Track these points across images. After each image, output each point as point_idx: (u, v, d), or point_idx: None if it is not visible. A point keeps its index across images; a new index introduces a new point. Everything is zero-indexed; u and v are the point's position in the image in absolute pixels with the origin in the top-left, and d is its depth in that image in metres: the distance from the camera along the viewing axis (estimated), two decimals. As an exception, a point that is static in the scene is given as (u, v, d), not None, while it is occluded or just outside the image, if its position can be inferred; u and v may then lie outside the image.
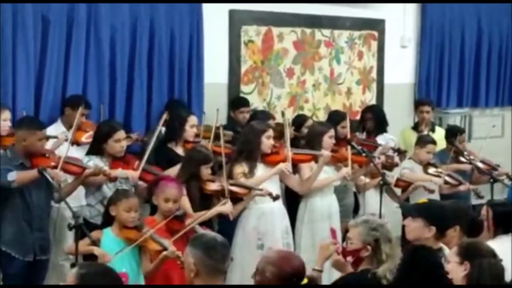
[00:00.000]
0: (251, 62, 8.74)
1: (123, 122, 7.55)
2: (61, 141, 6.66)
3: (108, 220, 5.72)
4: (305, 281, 4.25)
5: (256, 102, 8.74)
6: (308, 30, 9.08)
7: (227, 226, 6.59)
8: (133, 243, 5.48)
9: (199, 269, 4.08)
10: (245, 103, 8.36)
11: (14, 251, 5.98)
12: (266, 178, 6.68)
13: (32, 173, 5.84)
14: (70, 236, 7.03)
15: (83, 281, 3.85)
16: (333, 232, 6.75)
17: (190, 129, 7.16)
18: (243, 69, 8.69)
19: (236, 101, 8.40)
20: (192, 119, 7.22)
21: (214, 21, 8.41)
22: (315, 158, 7.01)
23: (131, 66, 7.87)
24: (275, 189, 6.77)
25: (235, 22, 8.58)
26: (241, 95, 8.63)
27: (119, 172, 6.25)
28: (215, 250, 4.11)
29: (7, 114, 6.66)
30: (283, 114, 8.74)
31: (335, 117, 8.13)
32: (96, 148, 6.46)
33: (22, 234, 5.99)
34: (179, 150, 7.11)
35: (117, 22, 7.72)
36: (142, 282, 5.49)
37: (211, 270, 4.09)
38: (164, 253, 5.45)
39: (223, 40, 8.56)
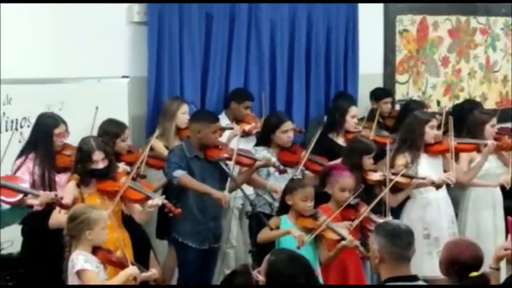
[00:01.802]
0: (406, 51, 8.76)
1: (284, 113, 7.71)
2: (236, 132, 6.88)
3: (283, 208, 5.88)
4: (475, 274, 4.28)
5: (411, 92, 8.76)
6: (463, 18, 9.04)
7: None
8: (309, 231, 5.62)
9: (384, 256, 4.16)
10: (388, 93, 8.38)
11: (190, 241, 6.23)
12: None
13: (197, 185, 6.06)
14: (234, 225, 7.34)
15: (271, 268, 4.01)
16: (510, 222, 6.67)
17: (351, 120, 7.27)
18: (398, 58, 8.73)
19: (379, 92, 8.41)
20: (353, 110, 7.32)
21: (369, 12, 8.47)
22: (479, 148, 6.96)
23: (291, 59, 8.03)
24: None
25: (390, 12, 8.63)
26: (396, 85, 8.66)
27: None
28: (399, 237, 4.18)
29: (185, 108, 6.95)
30: (438, 103, 8.72)
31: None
32: (264, 139, 6.65)
33: (198, 225, 6.23)
34: (340, 141, 7.23)
35: (277, 17, 7.91)
36: (318, 269, 5.61)
37: (396, 257, 4.17)
38: (343, 242, 5.57)
39: (378, 30, 8.62)
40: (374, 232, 4.28)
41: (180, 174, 6.05)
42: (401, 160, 6.65)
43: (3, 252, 6.20)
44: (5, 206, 5.18)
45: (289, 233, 5.57)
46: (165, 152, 6.59)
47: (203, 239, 6.26)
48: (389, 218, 5.93)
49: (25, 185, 5.40)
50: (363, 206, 5.97)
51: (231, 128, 6.98)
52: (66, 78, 6.83)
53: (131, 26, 7.31)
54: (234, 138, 6.82)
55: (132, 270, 4.83)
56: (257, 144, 6.72)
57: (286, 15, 7.97)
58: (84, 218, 4.83)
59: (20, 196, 5.12)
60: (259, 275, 4.04)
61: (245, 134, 7.03)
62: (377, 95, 8.23)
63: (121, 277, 4.84)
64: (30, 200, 5.13)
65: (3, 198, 5.07)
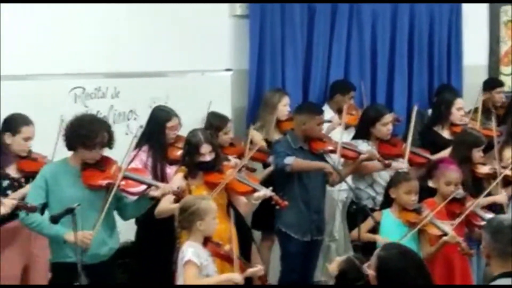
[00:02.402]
0: (510, 42, 8.56)
1: (385, 105, 7.65)
2: (335, 125, 6.86)
3: (387, 202, 5.85)
4: None
5: (516, 84, 8.59)
6: None
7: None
8: (412, 225, 5.57)
9: (489, 252, 4.10)
10: (501, 83, 8.21)
11: (293, 232, 6.26)
12: None
13: (310, 164, 6.09)
14: (338, 218, 7.33)
15: (382, 263, 3.97)
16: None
17: (457, 112, 7.15)
18: (503, 50, 8.54)
19: (492, 82, 8.26)
20: (459, 102, 7.20)
21: (473, 2, 8.32)
22: None
23: (392, 50, 7.97)
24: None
25: (495, 2, 8.44)
26: (501, 76, 8.49)
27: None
28: (501, 233, 4.10)
29: (287, 100, 6.97)
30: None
31: None
32: (363, 132, 6.61)
33: (301, 216, 6.25)
34: (445, 134, 7.12)
35: (378, 7, 7.86)
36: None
37: (500, 253, 4.09)
38: (444, 238, 5.50)
39: (482, 21, 8.46)
40: (482, 228, 4.22)
41: (291, 160, 6.11)
42: (509, 153, 6.52)
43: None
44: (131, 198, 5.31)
45: None
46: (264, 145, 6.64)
47: (306, 231, 6.28)
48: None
49: (149, 177, 5.51)
50: (469, 200, 5.87)
51: (329, 121, 6.96)
52: (171, 72, 6.93)
53: (234, 19, 7.37)
54: (333, 130, 6.81)
55: (237, 278, 4.88)
56: (355, 137, 6.67)
57: (388, 5, 7.90)
58: (194, 209, 4.90)
59: (144, 187, 5.22)
60: (368, 270, 4.02)
61: (346, 126, 6.99)
62: (489, 84, 8.09)
63: (223, 278, 4.90)
64: (152, 192, 5.22)
65: (129, 189, 5.19)
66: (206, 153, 5.60)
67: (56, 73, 6.36)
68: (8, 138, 5.61)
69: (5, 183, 5.54)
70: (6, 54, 6.14)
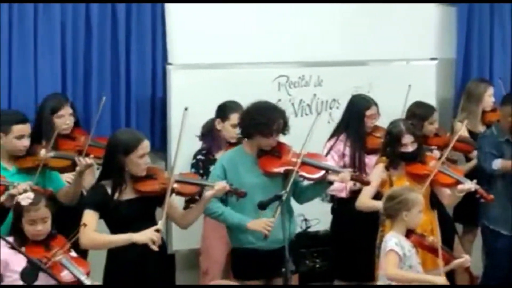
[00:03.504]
0: None
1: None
2: None
3: None
4: None
5: None
6: None
7: None
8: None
9: None
10: None
11: (500, 227, 6.07)
12: None
13: None
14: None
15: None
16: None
17: None
18: None
19: None
20: None
21: None
22: None
23: None
24: None
25: None
26: None
27: None
28: None
29: (492, 90, 6.77)
30: None
31: None
32: None
33: (507, 211, 6.03)
34: None
35: None
36: None
37: None
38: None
39: None
40: None
41: (498, 164, 5.97)
42: None
43: (311, 229, 6.39)
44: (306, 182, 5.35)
45: None
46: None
47: (512, 226, 6.08)
48: None
49: (327, 162, 5.51)
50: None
51: None
52: (374, 60, 6.88)
53: (440, 7, 7.21)
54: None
55: (439, 280, 4.78)
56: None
57: None
58: (402, 198, 4.89)
59: (322, 172, 5.25)
60: None
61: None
62: None
63: (428, 278, 4.83)
64: (331, 177, 5.24)
65: (305, 174, 5.23)
66: (408, 144, 5.52)
67: (261, 62, 6.49)
68: (218, 124, 5.85)
69: (211, 167, 5.70)
70: (217, 44, 6.36)
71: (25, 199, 4.47)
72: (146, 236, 4.62)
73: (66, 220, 4.70)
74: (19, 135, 5.09)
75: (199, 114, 5.78)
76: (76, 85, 6.05)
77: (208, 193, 4.90)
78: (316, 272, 6.38)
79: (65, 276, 4.29)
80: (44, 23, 5.90)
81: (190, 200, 5.46)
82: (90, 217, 4.69)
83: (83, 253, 4.86)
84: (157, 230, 4.66)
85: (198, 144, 5.97)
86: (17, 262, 4.34)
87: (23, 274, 3.60)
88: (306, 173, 5.23)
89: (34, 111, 5.73)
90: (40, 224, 4.45)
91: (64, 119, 5.49)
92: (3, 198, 4.73)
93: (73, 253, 4.56)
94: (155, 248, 4.61)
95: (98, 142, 5.44)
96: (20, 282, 4.19)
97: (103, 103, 5.56)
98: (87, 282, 4.24)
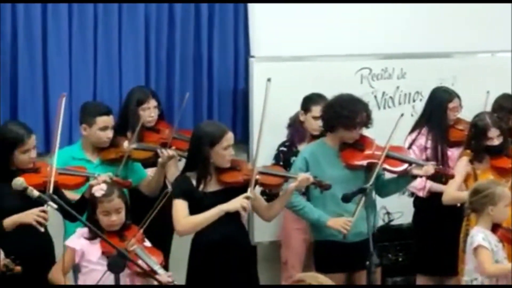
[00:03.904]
0: None
1: None
2: None
3: None
4: None
5: None
6: None
7: None
8: None
9: None
10: None
11: None
12: None
13: None
14: None
15: None
16: None
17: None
18: None
19: None
20: None
21: None
22: None
23: None
24: None
25: None
26: None
27: None
28: None
29: None
30: None
31: None
32: None
33: None
34: None
35: None
36: None
37: None
38: None
39: None
40: None
41: None
42: None
43: (394, 222, 6.35)
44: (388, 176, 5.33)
45: None
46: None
47: None
48: None
49: (411, 156, 5.50)
50: None
51: None
52: (458, 52, 6.77)
53: (528, -3, 7.06)
54: None
55: None
56: None
57: None
58: (488, 192, 4.83)
59: (406, 166, 5.21)
60: None
61: None
62: None
63: None
64: (414, 170, 5.19)
65: (388, 167, 5.21)
66: (494, 137, 5.45)
67: (343, 54, 6.46)
68: (302, 116, 5.89)
69: (292, 159, 5.74)
70: (300, 36, 6.35)
71: (98, 190, 4.54)
72: (237, 202, 4.68)
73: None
74: (103, 127, 5.20)
75: (280, 106, 5.80)
76: (159, 78, 6.12)
77: (291, 185, 4.91)
78: (398, 266, 6.33)
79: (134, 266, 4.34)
80: (128, 19, 5.98)
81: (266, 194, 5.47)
82: (180, 205, 4.76)
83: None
84: (247, 197, 4.71)
85: (279, 137, 5.99)
86: (92, 252, 4.47)
87: (111, 264, 3.66)
88: (390, 166, 5.20)
89: (118, 104, 5.83)
90: (114, 214, 4.52)
91: (149, 112, 5.57)
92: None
93: (147, 243, 4.63)
94: (243, 213, 4.67)
95: (181, 134, 5.50)
96: (97, 271, 4.34)
97: (186, 99, 5.62)
98: (161, 271, 4.28)
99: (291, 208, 5.21)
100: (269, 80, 4.99)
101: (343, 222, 4.97)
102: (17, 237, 4.31)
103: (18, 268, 3.88)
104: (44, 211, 4.37)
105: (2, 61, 5.63)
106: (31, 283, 4.50)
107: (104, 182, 4.71)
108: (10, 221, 4.53)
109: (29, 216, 4.44)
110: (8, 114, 5.69)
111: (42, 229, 4.45)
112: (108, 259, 3.85)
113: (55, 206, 3.57)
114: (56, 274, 4.49)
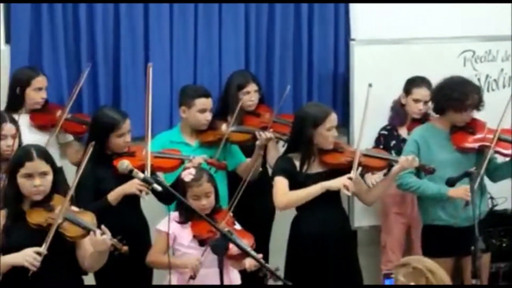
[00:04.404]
0: None
1: None
2: None
3: None
4: None
5: None
6: None
7: None
8: None
9: None
10: None
11: None
12: None
13: None
14: None
15: None
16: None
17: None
18: None
19: None
20: None
21: None
22: None
23: None
24: None
25: None
26: None
27: None
28: None
29: None
30: None
31: None
32: None
33: None
34: None
35: None
36: None
37: None
38: None
39: None
40: None
41: None
42: None
43: (497, 208, 6.21)
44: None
45: None
46: None
47: None
48: None
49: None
50: None
51: None
52: None
53: None
54: None
55: None
56: None
57: None
58: None
59: None
60: None
61: None
62: None
63: None
64: None
65: (501, 150, 5.13)
66: None
67: (446, 37, 6.33)
68: (403, 99, 5.86)
69: (392, 143, 5.75)
70: (401, 19, 6.29)
71: (187, 175, 4.57)
72: (340, 181, 4.68)
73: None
74: (202, 109, 5.23)
75: (381, 89, 5.71)
76: (259, 62, 6.12)
77: (394, 168, 4.89)
78: (503, 251, 6.20)
79: (231, 249, 4.34)
80: (229, 2, 6.00)
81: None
82: (280, 182, 4.79)
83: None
84: (350, 178, 4.70)
85: (381, 120, 5.92)
86: (183, 236, 4.52)
87: (214, 246, 3.68)
88: (502, 149, 5.11)
89: (218, 89, 5.86)
90: (204, 199, 4.54)
91: (249, 96, 5.58)
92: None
93: (237, 226, 4.65)
94: (347, 193, 4.66)
95: (282, 119, 5.50)
96: (189, 255, 4.44)
97: (287, 92, 5.60)
98: (253, 254, 4.24)
99: (408, 189, 5.18)
100: (370, 85, 4.96)
101: (464, 190, 4.85)
102: (115, 219, 4.36)
103: (125, 248, 3.92)
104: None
105: (104, 42, 5.72)
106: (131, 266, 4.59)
107: (199, 164, 4.77)
108: (114, 194, 4.64)
109: (132, 185, 4.54)
110: (110, 101, 5.79)
111: (146, 197, 4.53)
112: (211, 241, 3.87)
113: (160, 188, 3.59)
114: (154, 257, 4.56)
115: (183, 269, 4.44)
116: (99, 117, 4.88)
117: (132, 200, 4.74)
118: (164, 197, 4.29)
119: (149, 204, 4.89)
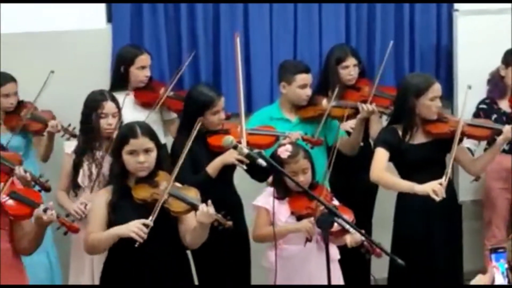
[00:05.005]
0: None
1: None
2: None
3: None
4: None
5: None
6: None
7: None
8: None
9: None
10: None
11: None
12: None
13: None
14: None
15: None
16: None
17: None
18: None
19: None
20: None
21: None
22: None
23: None
24: None
25: None
26: None
27: None
28: None
29: None
30: None
31: None
32: None
33: None
34: None
35: None
36: None
37: None
38: None
39: None
40: None
41: None
42: None
43: None
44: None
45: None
46: None
47: None
48: None
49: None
50: None
51: None
52: None
53: None
54: None
55: None
56: None
57: None
58: None
59: None
60: None
61: None
62: None
63: None
64: None
65: None
66: None
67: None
68: (502, 71, 5.72)
69: (493, 117, 5.62)
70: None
71: (284, 152, 4.54)
72: (429, 187, 4.50)
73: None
74: (302, 84, 5.21)
75: (482, 61, 5.63)
76: (359, 34, 6.06)
77: (499, 138, 4.79)
78: None
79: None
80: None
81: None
82: (379, 154, 4.75)
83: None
84: (440, 184, 4.56)
85: (480, 93, 5.76)
86: (281, 212, 4.51)
87: (320, 221, 3.67)
88: None
89: (318, 64, 5.83)
90: (301, 175, 4.52)
91: (349, 70, 5.51)
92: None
93: (335, 201, 4.62)
94: (437, 199, 4.49)
95: (382, 92, 5.42)
96: None
97: (390, 48, 5.51)
98: (352, 231, 4.20)
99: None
100: (469, 87, 4.83)
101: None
102: (212, 195, 4.39)
103: (230, 223, 3.96)
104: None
105: (204, 19, 5.77)
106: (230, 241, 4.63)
107: (296, 140, 4.75)
108: (213, 165, 4.68)
109: (231, 155, 4.55)
110: (211, 78, 5.84)
111: (245, 167, 4.54)
112: (318, 216, 3.86)
113: (264, 163, 3.59)
114: (260, 231, 4.57)
115: (289, 239, 4.45)
116: (194, 95, 4.90)
117: (225, 176, 4.77)
118: (260, 173, 4.27)
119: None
